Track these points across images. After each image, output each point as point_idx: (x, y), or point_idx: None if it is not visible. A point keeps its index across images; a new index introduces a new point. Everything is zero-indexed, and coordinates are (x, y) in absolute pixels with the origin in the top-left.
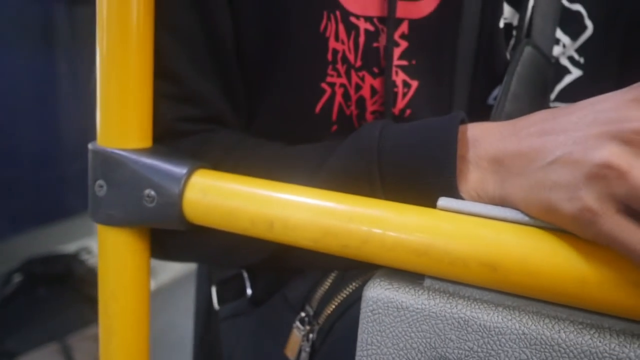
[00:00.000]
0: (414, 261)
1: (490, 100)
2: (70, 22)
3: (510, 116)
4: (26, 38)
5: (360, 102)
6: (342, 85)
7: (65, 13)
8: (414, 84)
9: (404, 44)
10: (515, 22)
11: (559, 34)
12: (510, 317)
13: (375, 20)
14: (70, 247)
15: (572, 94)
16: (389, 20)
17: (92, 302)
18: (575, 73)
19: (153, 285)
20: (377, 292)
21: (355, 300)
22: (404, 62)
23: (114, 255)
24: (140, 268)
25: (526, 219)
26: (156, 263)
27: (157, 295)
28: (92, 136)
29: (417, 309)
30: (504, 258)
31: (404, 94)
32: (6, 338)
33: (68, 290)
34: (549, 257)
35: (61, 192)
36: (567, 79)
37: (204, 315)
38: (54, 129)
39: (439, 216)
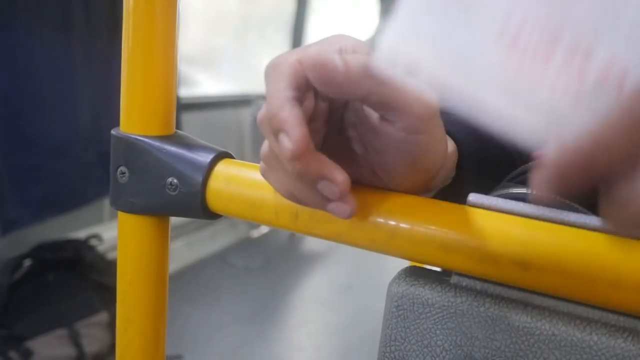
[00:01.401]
0: (441, 257)
1: None
2: (87, 8)
3: None
4: (44, 25)
5: None
6: None
7: (82, 2)
8: None
9: None
10: None
11: None
12: (540, 317)
13: None
14: (80, 234)
15: None
16: None
17: (100, 289)
18: None
19: None
20: (402, 288)
21: None
22: None
23: (134, 243)
24: (160, 256)
25: (560, 217)
26: None
27: None
28: (104, 125)
29: (444, 306)
30: (536, 256)
31: None
32: (15, 323)
33: (77, 277)
34: (582, 256)
35: (74, 180)
36: None
37: None
38: (67, 118)
39: (468, 212)
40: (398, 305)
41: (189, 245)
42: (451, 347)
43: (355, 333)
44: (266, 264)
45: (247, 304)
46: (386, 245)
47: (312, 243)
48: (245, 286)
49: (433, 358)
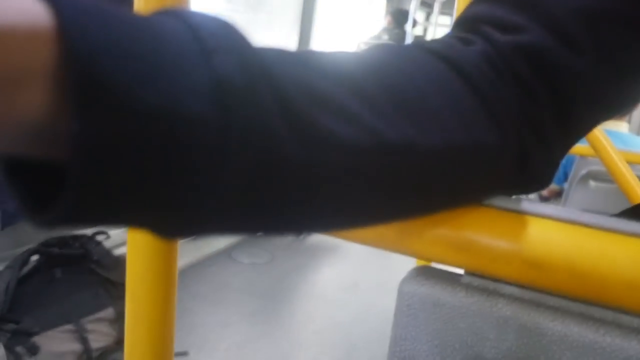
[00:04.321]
0: (452, 256)
1: None
2: None
3: None
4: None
5: None
6: None
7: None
8: None
9: None
10: None
11: None
12: (552, 318)
13: None
14: (87, 230)
15: None
16: None
17: (107, 284)
18: None
19: None
20: (413, 287)
21: None
22: None
23: (143, 239)
24: (169, 252)
25: (572, 217)
26: None
27: None
28: None
29: (455, 305)
30: (548, 256)
31: None
32: (23, 318)
33: (84, 273)
34: (595, 257)
35: None
36: None
37: None
38: None
39: (479, 212)
40: (409, 305)
41: (195, 243)
42: (462, 347)
43: (360, 330)
44: (272, 260)
45: (252, 301)
46: (396, 244)
47: (318, 240)
48: (251, 283)
49: (443, 358)
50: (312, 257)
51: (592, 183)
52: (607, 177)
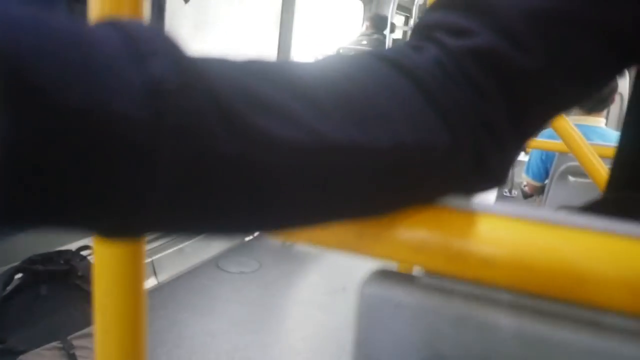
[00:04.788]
0: (409, 257)
1: None
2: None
3: None
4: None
5: None
6: None
7: (65, 11)
8: None
9: None
10: None
11: None
12: (506, 314)
13: None
14: (72, 246)
15: None
16: None
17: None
18: None
19: (154, 282)
20: (373, 289)
21: None
22: None
23: (110, 251)
24: (135, 264)
25: (522, 213)
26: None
27: (158, 293)
28: None
29: (413, 306)
30: (501, 254)
31: None
32: (8, 336)
33: (69, 289)
34: (546, 252)
35: None
36: None
37: None
38: None
39: (435, 212)
40: (369, 307)
41: (182, 253)
42: (422, 346)
43: (349, 335)
44: (259, 268)
45: (242, 310)
46: (355, 246)
47: (304, 246)
48: (239, 292)
49: (404, 357)
50: (300, 264)
51: (570, 178)
52: (584, 172)
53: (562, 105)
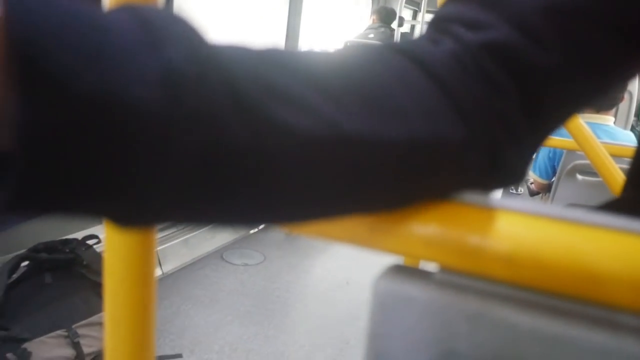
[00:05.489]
0: (423, 252)
1: None
2: None
3: None
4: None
5: None
6: None
7: None
8: None
9: None
10: None
11: None
12: (522, 312)
13: None
14: (78, 235)
15: None
16: None
17: (98, 289)
18: None
19: (158, 272)
20: (387, 284)
21: None
22: None
23: (122, 243)
24: (147, 256)
25: (540, 210)
26: (162, 251)
27: (162, 283)
28: None
29: (427, 301)
30: (517, 251)
31: None
32: (13, 325)
33: (74, 277)
34: (564, 250)
35: None
36: None
37: None
38: None
39: (450, 207)
40: (383, 302)
41: (187, 244)
42: (435, 342)
43: (353, 327)
44: (264, 261)
45: (245, 302)
46: (367, 240)
47: (309, 239)
48: (243, 284)
49: (417, 353)
50: (304, 256)
51: (578, 176)
52: (592, 170)
53: (580, 101)
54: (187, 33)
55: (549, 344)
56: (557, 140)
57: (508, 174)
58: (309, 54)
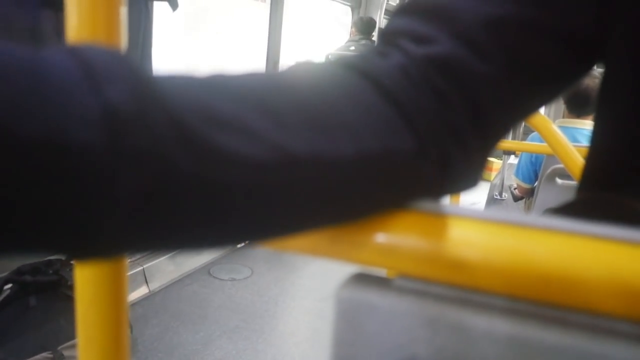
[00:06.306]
0: (381, 260)
1: None
2: (56, 27)
3: None
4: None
5: None
6: None
7: (52, 19)
8: None
9: None
10: None
11: None
12: (477, 314)
13: None
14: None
15: None
16: None
17: None
18: None
19: (145, 290)
20: (349, 292)
21: None
22: None
23: (91, 266)
24: (117, 275)
25: (490, 216)
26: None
27: (149, 301)
28: None
29: (387, 308)
30: (469, 256)
31: None
32: None
33: (59, 299)
34: (513, 253)
35: None
36: None
37: None
38: None
39: (405, 216)
40: (345, 310)
41: (174, 261)
42: (397, 348)
43: None
44: (251, 275)
45: (233, 317)
46: (329, 252)
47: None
48: (231, 299)
49: (381, 359)
50: (291, 270)
51: (558, 180)
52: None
53: (526, 109)
54: (126, 70)
55: (504, 344)
56: (536, 145)
57: (460, 181)
58: (255, 76)
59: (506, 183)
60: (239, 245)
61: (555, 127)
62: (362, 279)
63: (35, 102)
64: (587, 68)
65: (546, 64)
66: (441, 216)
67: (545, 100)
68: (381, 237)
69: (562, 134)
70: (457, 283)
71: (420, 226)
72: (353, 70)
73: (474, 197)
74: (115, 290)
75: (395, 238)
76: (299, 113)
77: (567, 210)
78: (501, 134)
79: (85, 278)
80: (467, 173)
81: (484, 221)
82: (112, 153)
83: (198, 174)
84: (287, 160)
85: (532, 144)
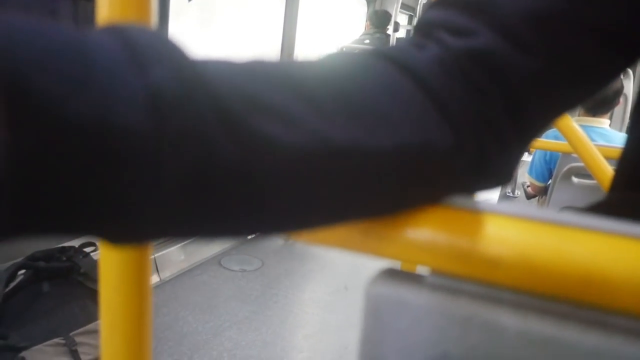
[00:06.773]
0: (415, 256)
1: None
2: (74, 17)
3: None
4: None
5: None
6: None
7: (69, 8)
8: None
9: None
10: None
11: None
12: (512, 314)
13: None
14: (75, 242)
15: None
16: None
17: (96, 297)
18: None
19: (156, 279)
20: (379, 289)
21: None
22: None
23: (117, 251)
24: (142, 261)
25: (527, 213)
26: (159, 258)
27: (160, 290)
28: None
29: (419, 305)
30: (506, 254)
31: None
32: (11, 333)
33: (72, 285)
34: (552, 252)
35: None
36: None
37: None
38: None
39: (440, 212)
40: (375, 307)
41: (185, 251)
42: (428, 345)
43: (351, 333)
44: (262, 266)
45: (243, 308)
46: (360, 246)
47: (306, 245)
48: (241, 290)
49: (410, 357)
50: (302, 262)
51: (574, 179)
52: (588, 172)
53: (565, 105)
54: (171, 52)
55: (539, 345)
56: (552, 143)
57: (494, 177)
58: (294, 64)
59: (519, 181)
60: (249, 237)
61: (576, 125)
62: (392, 275)
63: (82, 82)
64: (627, 64)
65: (586, 59)
66: (476, 212)
67: (584, 96)
68: (415, 233)
69: (583, 132)
70: (491, 281)
71: (455, 222)
72: (390, 62)
73: (486, 194)
74: (139, 275)
75: (429, 234)
76: (338, 102)
77: (599, 209)
78: (539, 129)
79: (110, 262)
80: (502, 168)
81: (519, 218)
82: (155, 136)
83: (240, 159)
84: (328, 149)
85: (550, 142)
